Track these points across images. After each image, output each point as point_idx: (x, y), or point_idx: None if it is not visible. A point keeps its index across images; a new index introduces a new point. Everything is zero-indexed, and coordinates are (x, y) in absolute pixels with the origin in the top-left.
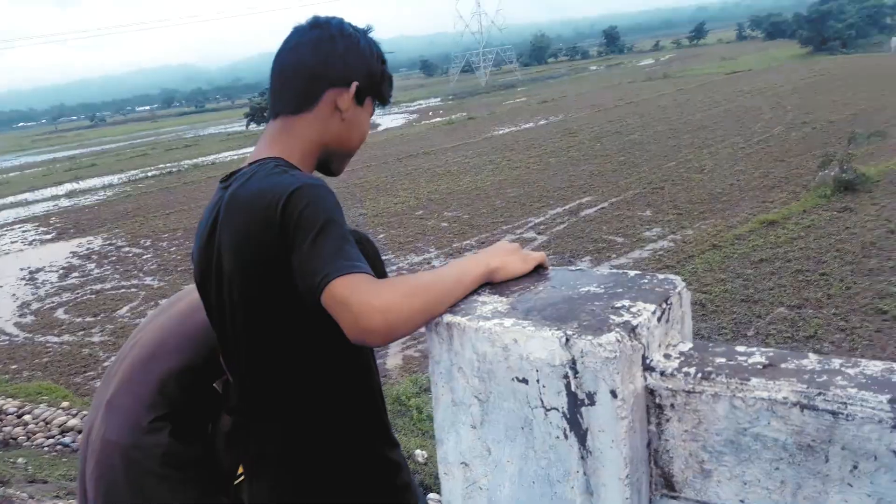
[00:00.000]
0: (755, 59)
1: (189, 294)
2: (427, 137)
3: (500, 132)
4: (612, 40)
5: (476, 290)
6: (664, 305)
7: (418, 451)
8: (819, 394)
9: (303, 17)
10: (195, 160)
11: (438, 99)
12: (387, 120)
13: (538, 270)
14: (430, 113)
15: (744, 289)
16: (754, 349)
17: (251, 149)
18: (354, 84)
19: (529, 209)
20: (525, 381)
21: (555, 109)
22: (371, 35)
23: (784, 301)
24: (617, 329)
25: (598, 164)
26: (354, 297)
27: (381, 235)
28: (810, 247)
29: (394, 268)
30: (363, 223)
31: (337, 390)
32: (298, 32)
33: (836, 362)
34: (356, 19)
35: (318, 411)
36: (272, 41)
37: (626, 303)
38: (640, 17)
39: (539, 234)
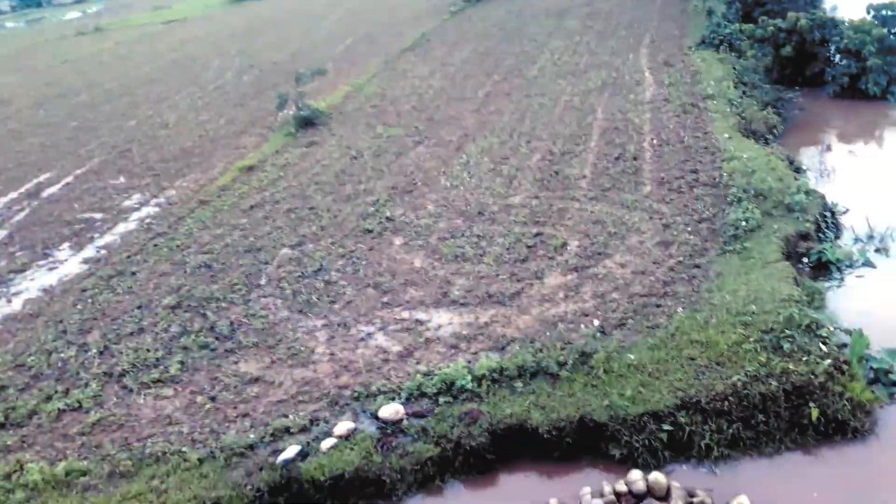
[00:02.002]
0: (189, 6)
1: None
2: None
3: None
4: None
5: None
6: None
7: None
8: None
9: None
10: None
11: None
12: None
13: None
14: None
15: (244, 239)
16: None
17: None
18: None
19: None
20: None
21: None
22: None
23: (285, 242)
24: None
25: (47, 134)
26: None
27: None
28: (292, 185)
29: None
30: None
31: None
32: None
33: None
34: None
35: None
36: None
37: None
38: None
39: None
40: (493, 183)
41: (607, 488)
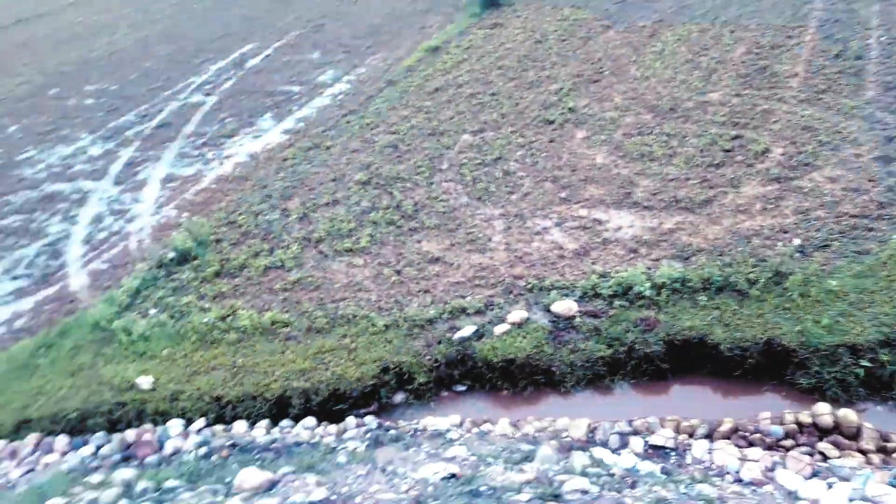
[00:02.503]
0: None
1: None
2: None
3: None
4: None
5: None
6: None
7: (140, 379)
8: None
9: None
10: None
11: None
12: None
13: None
14: None
15: (428, 122)
16: None
17: None
18: None
19: (188, 67)
20: None
21: None
22: None
23: (467, 128)
24: None
25: (248, 5)
26: None
27: (12, 128)
28: (475, 68)
29: (42, 166)
30: None
31: None
32: None
33: None
34: None
35: None
36: None
37: None
38: None
39: (207, 95)
40: (689, 76)
41: (789, 417)
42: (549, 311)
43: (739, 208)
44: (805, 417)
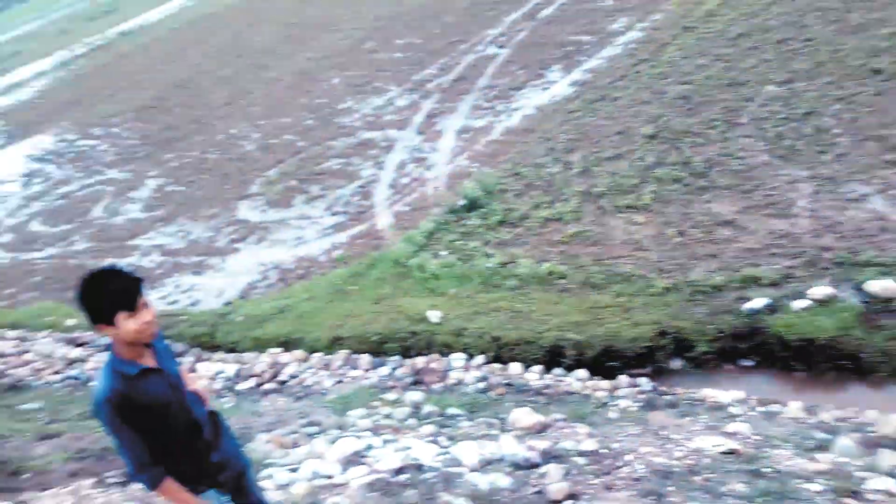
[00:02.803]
0: None
1: None
2: None
3: None
4: None
5: None
6: None
7: (430, 313)
8: None
9: None
10: (119, 27)
11: None
12: None
13: None
14: None
15: (726, 72)
16: None
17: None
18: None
19: (484, 20)
20: None
21: None
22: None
23: (772, 78)
24: None
25: None
26: None
27: (336, 80)
28: (787, 10)
29: (357, 115)
30: (312, 68)
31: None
32: None
33: None
34: None
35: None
36: None
37: None
38: None
39: (501, 48)
40: None
41: None
42: (861, 290)
43: None
44: None
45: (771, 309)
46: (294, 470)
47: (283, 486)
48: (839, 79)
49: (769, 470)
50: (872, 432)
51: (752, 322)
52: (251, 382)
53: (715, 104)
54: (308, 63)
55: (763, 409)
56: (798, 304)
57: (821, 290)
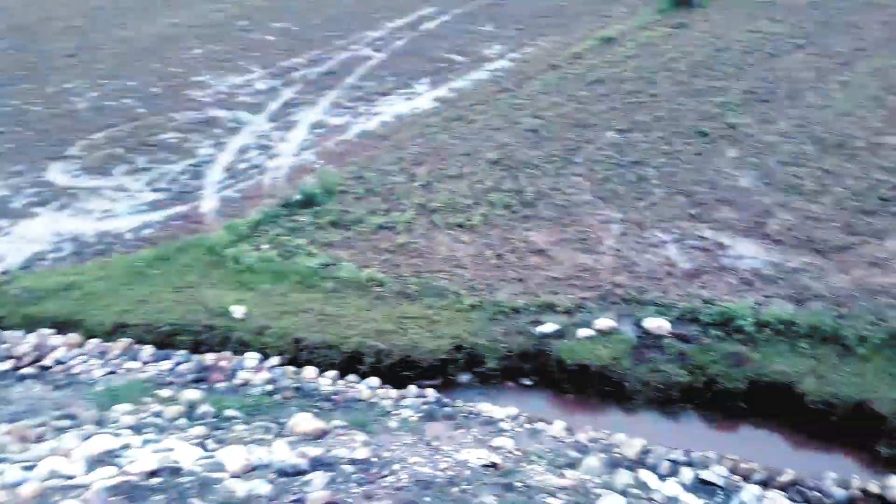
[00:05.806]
0: None
1: None
2: None
3: None
4: None
5: None
6: None
7: (234, 308)
8: None
9: None
10: None
11: None
12: None
13: None
14: None
15: (577, 112)
16: None
17: None
18: None
19: (366, 21)
20: None
21: None
22: None
23: (614, 125)
24: None
25: None
26: None
27: (197, 51)
28: (644, 66)
29: (210, 91)
30: (175, 35)
31: None
32: None
33: None
34: None
35: None
36: None
37: None
38: None
39: (376, 51)
40: (870, 114)
41: (856, 482)
42: (639, 325)
43: (876, 261)
44: (873, 487)
45: (559, 334)
46: (29, 468)
47: (11, 486)
48: (670, 135)
49: (520, 484)
50: (618, 453)
51: (539, 344)
52: (7, 365)
53: (558, 141)
54: (171, 29)
55: (530, 426)
56: (583, 333)
57: (605, 322)
